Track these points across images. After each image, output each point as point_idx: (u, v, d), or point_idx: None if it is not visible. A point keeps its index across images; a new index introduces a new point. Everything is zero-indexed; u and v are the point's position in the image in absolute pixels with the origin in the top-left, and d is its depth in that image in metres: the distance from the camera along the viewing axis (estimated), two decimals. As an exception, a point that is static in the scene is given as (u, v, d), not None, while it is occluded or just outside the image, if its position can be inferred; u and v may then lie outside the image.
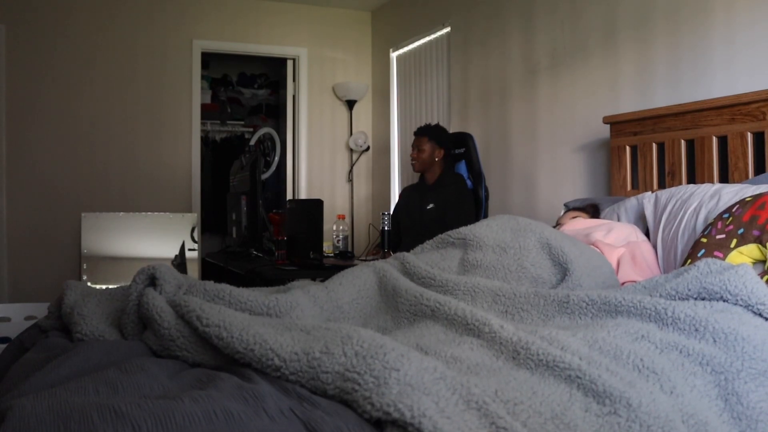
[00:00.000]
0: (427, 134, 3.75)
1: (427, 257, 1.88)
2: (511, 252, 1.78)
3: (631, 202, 2.58)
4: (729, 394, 1.14)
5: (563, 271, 1.73)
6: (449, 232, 1.96)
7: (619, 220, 2.56)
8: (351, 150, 5.84)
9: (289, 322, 1.24)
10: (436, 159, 3.72)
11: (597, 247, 2.05)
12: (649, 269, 2.09)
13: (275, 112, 7.15)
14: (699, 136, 2.67)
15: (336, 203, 5.76)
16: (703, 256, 1.85)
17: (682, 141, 2.75)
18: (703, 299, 1.35)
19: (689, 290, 1.37)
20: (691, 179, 2.72)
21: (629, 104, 3.20)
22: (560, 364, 1.08)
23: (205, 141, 6.66)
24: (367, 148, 5.82)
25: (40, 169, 4.86)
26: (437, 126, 3.84)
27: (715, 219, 1.94)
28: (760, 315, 1.31)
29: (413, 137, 3.81)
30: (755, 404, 1.14)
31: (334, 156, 5.86)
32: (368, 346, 0.99)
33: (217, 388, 0.97)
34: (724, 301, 1.34)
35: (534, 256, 1.76)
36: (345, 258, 3.62)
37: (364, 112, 5.93)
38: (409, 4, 5.33)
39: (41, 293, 4.55)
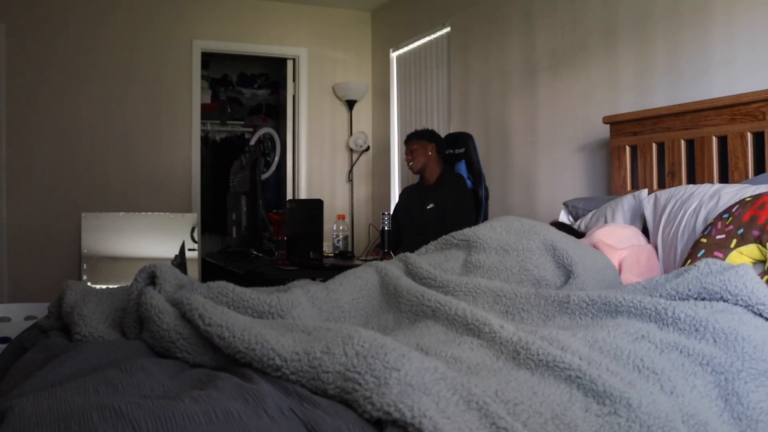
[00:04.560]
0: (415, 137, 3.84)
1: (430, 258, 1.88)
2: (514, 254, 1.78)
3: (628, 200, 2.58)
4: (729, 394, 1.14)
5: (567, 273, 1.73)
6: (453, 234, 1.96)
7: (613, 217, 2.56)
8: (351, 150, 5.84)
9: (291, 323, 1.24)
10: (430, 153, 3.76)
11: (598, 248, 2.05)
12: (652, 276, 2.08)
13: (275, 112, 7.15)
14: (699, 136, 2.67)
15: (336, 203, 5.76)
16: (703, 256, 1.85)
17: (682, 141, 2.75)
18: (703, 299, 1.35)
19: (689, 290, 1.37)
20: (691, 179, 2.72)
21: (629, 104, 3.20)
22: (560, 364, 1.08)
23: (205, 141, 6.66)
24: (367, 148, 5.82)
25: (40, 169, 4.86)
26: (423, 129, 3.93)
27: (714, 219, 1.94)
28: (761, 315, 1.31)
29: (405, 144, 3.89)
30: (755, 404, 1.14)
31: (334, 156, 5.86)
32: (369, 346, 0.99)
33: (217, 388, 0.97)
34: (724, 301, 1.33)
35: (537, 258, 1.76)
36: (345, 258, 3.62)
37: (364, 112, 5.93)
38: (409, 4, 5.33)
39: (41, 293, 4.55)
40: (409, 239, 3.66)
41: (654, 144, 2.89)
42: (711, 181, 2.60)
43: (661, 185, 2.87)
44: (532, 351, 1.13)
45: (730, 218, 1.87)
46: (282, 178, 6.42)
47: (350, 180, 5.86)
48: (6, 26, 4.77)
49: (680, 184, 2.74)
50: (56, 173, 4.90)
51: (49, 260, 4.82)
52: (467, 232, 1.93)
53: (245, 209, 3.58)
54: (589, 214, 2.73)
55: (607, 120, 3.13)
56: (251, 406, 0.90)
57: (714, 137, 2.62)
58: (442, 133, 4.06)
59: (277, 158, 6.68)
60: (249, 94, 7.19)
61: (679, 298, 1.38)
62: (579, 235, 2.34)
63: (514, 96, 4.08)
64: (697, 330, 1.24)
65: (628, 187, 3.02)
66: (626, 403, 1.00)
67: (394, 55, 5.55)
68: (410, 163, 3.81)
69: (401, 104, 5.46)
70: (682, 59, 2.94)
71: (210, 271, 4.11)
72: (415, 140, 3.81)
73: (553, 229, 1.90)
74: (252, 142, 6.72)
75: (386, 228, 3.31)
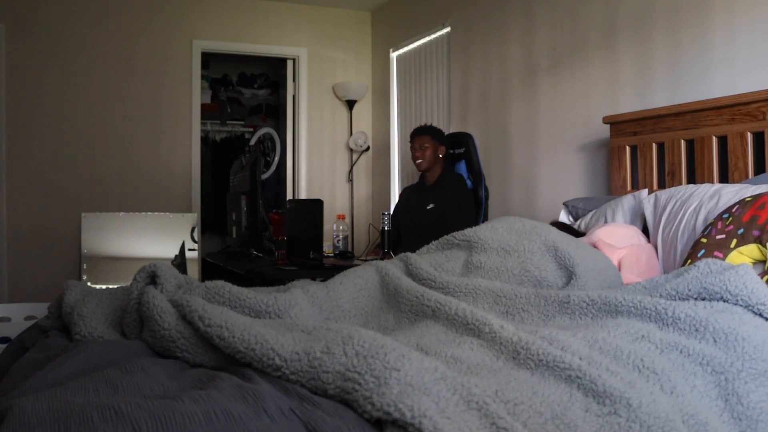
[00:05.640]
0: (429, 133, 3.78)
1: (431, 258, 1.88)
2: (515, 255, 1.78)
3: (628, 200, 2.58)
4: (729, 394, 1.14)
5: (569, 274, 1.72)
6: (454, 234, 1.96)
7: (614, 217, 2.56)
8: (351, 150, 5.84)
9: (291, 322, 1.24)
10: (440, 156, 3.75)
11: (597, 247, 2.05)
12: (652, 276, 2.08)
13: (275, 112, 7.15)
14: (699, 136, 2.67)
15: (336, 203, 5.76)
16: (703, 256, 1.85)
17: (682, 141, 2.75)
18: (703, 299, 1.35)
19: (689, 290, 1.37)
20: (691, 179, 2.72)
21: (629, 104, 3.20)
22: (560, 364, 1.08)
23: (205, 141, 6.66)
24: (367, 148, 5.82)
25: (40, 169, 4.86)
26: (433, 126, 3.89)
27: (714, 219, 1.94)
28: (761, 315, 1.31)
29: (412, 139, 3.82)
30: (755, 404, 1.14)
31: (334, 156, 5.86)
32: (369, 346, 0.99)
33: (217, 388, 0.97)
34: (724, 301, 1.33)
35: (538, 259, 1.76)
36: (345, 258, 3.62)
37: (364, 112, 5.93)
38: (409, 4, 5.33)
39: (41, 293, 4.55)
40: (409, 239, 3.66)
41: (654, 144, 2.89)
42: (711, 181, 2.60)
43: (661, 185, 2.87)
44: (532, 351, 1.13)
45: (730, 218, 1.87)
46: (282, 178, 6.42)
47: (350, 180, 5.86)
48: (6, 26, 4.77)
49: (680, 184, 2.74)
50: (56, 173, 4.89)
51: (49, 260, 4.82)
52: (468, 232, 1.93)
53: (245, 209, 3.58)
54: (589, 214, 2.73)
55: (607, 120, 3.12)
56: (251, 406, 0.90)
57: (714, 137, 2.62)
58: (442, 133, 4.06)
59: (277, 158, 6.68)
60: (249, 94, 7.19)
61: (679, 298, 1.38)
62: (579, 234, 2.34)
63: (514, 96, 4.08)
64: (697, 330, 1.24)
65: (628, 187, 3.02)
66: (626, 403, 1.00)
67: (394, 55, 5.55)
68: (418, 160, 3.75)
69: (401, 104, 5.46)
70: (682, 59, 2.94)
71: (210, 271, 4.11)
72: (428, 137, 3.75)
73: (555, 230, 1.90)
74: (252, 142, 6.72)
75: (386, 228, 3.31)
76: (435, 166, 3.77)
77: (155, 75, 5.19)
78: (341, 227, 3.84)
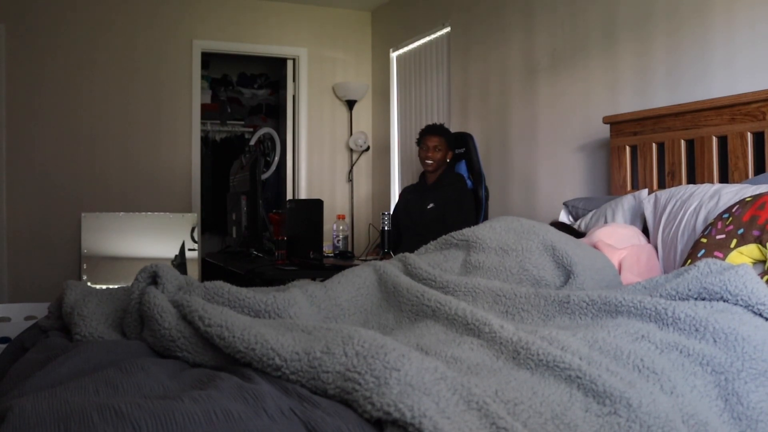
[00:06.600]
0: (444, 135, 3.75)
1: (430, 258, 1.88)
2: (513, 254, 1.78)
3: (628, 199, 2.58)
4: (729, 394, 1.14)
5: (567, 273, 1.73)
6: (452, 234, 1.96)
7: (614, 217, 2.56)
8: (351, 150, 5.84)
9: (291, 322, 1.24)
10: (447, 160, 3.74)
11: (598, 247, 2.05)
12: (652, 276, 2.08)
13: (275, 112, 7.15)
14: (699, 136, 2.67)
15: (336, 203, 5.76)
16: (703, 256, 1.85)
17: (682, 141, 2.75)
18: (703, 299, 1.35)
19: (689, 290, 1.37)
20: (691, 179, 2.72)
21: (629, 104, 3.20)
22: (560, 364, 1.08)
23: (205, 141, 6.66)
24: (367, 148, 5.82)
25: (40, 169, 4.86)
26: (446, 127, 3.86)
27: (715, 219, 1.94)
28: (761, 315, 1.31)
29: (424, 136, 3.76)
30: (755, 404, 1.14)
31: (334, 156, 5.86)
32: (369, 346, 0.99)
33: (217, 388, 0.97)
34: (724, 301, 1.33)
35: (536, 259, 1.76)
36: (345, 258, 3.62)
37: (364, 112, 5.93)
38: (409, 4, 5.33)
39: (41, 293, 4.55)
40: (409, 239, 3.66)
41: (654, 144, 2.89)
42: (711, 181, 2.61)
43: (661, 185, 2.87)
44: (532, 351, 1.13)
45: (730, 218, 1.87)
46: (282, 178, 6.42)
47: (350, 180, 5.86)
48: (6, 26, 4.77)
49: (680, 184, 2.74)
50: (56, 173, 4.89)
51: (49, 260, 4.82)
52: (467, 232, 1.93)
53: (245, 209, 3.58)
54: (589, 214, 2.73)
55: (607, 120, 3.13)
56: (251, 406, 0.90)
57: (714, 137, 2.62)
58: (442, 133, 4.05)
59: (277, 158, 6.68)
60: (249, 94, 7.19)
61: (679, 298, 1.38)
62: (579, 235, 2.34)
63: (514, 96, 4.08)
64: (697, 330, 1.24)
65: (628, 187, 3.02)
66: (626, 403, 1.00)
67: (394, 55, 5.55)
68: (429, 161, 3.72)
69: (401, 104, 5.46)
70: (682, 59, 2.94)
71: (210, 271, 4.11)
72: (443, 139, 3.72)
73: (553, 230, 1.90)
74: (252, 142, 6.72)
75: (386, 228, 3.31)
76: (440, 168, 3.77)
77: (155, 75, 5.19)
78: (341, 227, 3.83)
